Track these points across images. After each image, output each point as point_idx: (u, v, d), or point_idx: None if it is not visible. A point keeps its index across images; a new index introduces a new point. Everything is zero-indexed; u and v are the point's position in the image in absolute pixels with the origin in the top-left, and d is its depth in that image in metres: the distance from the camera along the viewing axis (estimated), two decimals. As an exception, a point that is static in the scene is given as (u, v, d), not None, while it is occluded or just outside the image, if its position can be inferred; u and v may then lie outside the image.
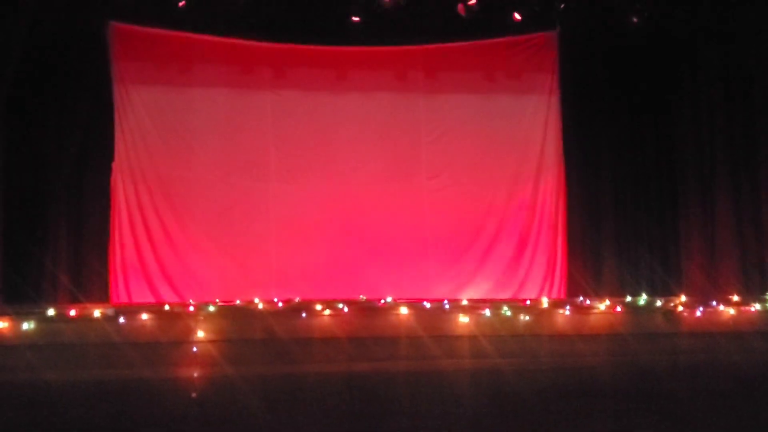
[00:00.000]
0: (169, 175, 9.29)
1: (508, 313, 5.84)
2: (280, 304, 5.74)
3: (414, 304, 5.84)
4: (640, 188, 9.75)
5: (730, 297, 6.53)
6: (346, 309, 5.67)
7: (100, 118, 9.12)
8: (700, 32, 9.31)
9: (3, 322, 5.31)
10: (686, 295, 7.68)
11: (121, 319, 5.43)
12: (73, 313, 5.48)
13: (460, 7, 9.25)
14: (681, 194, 9.36)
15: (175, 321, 5.54)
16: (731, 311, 6.17)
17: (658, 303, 6.27)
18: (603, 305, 6.03)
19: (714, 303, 6.24)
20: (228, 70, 9.58)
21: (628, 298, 6.41)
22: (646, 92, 9.90)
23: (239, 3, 8.99)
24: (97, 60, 9.00)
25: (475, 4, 9.22)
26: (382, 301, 5.91)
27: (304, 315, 5.63)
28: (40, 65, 8.65)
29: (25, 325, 5.34)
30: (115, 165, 9.09)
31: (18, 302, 7.72)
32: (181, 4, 8.97)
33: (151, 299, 8.90)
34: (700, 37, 9.34)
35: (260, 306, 5.64)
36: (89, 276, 8.81)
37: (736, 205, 8.92)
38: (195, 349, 5.48)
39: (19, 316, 5.40)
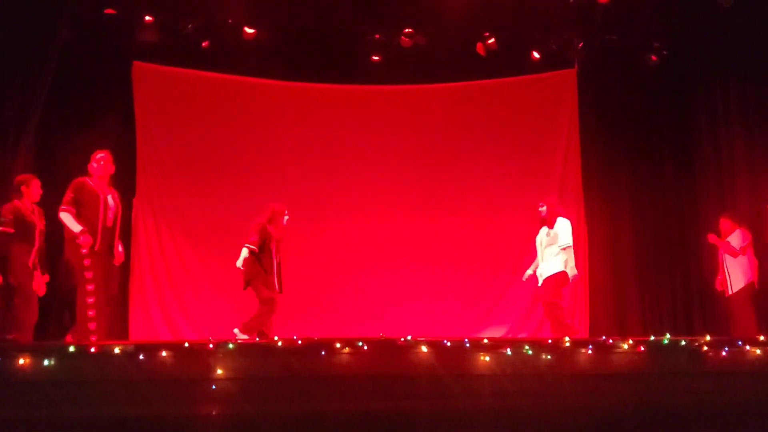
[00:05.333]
0: (190, 212, 9.38)
1: (530, 352, 5.75)
2: (300, 342, 5.69)
3: (434, 342, 5.77)
4: (662, 224, 9.70)
5: (757, 337, 6.41)
6: (365, 347, 5.61)
7: (122, 156, 9.25)
8: (717, 66, 9.31)
9: (23, 357, 5.31)
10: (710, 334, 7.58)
11: (141, 356, 5.40)
12: (93, 349, 5.47)
13: (479, 46, 9.36)
14: (704, 231, 9.28)
15: (194, 358, 5.50)
16: (758, 351, 6.04)
17: (683, 342, 6.15)
18: (626, 344, 5.92)
19: (740, 343, 6.13)
20: (249, 109, 9.71)
21: (652, 338, 6.31)
22: (666, 128, 9.91)
23: (261, 43, 9.16)
24: (121, 99, 9.17)
25: (494, 43, 9.34)
26: (402, 339, 5.85)
27: (323, 353, 5.57)
28: (65, 104, 8.82)
29: (46, 361, 5.32)
30: (136, 201, 9.20)
31: (39, 338, 7.77)
32: (204, 44, 9.15)
33: (170, 336, 8.93)
34: (718, 70, 9.32)
35: (280, 344, 5.60)
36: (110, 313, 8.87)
37: (761, 242, 8.81)
38: (214, 386, 5.43)
39: (40, 351, 5.39)
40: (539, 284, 7.90)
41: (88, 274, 6.25)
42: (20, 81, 7.86)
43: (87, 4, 8.39)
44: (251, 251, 7.50)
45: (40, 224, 6.86)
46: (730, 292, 8.25)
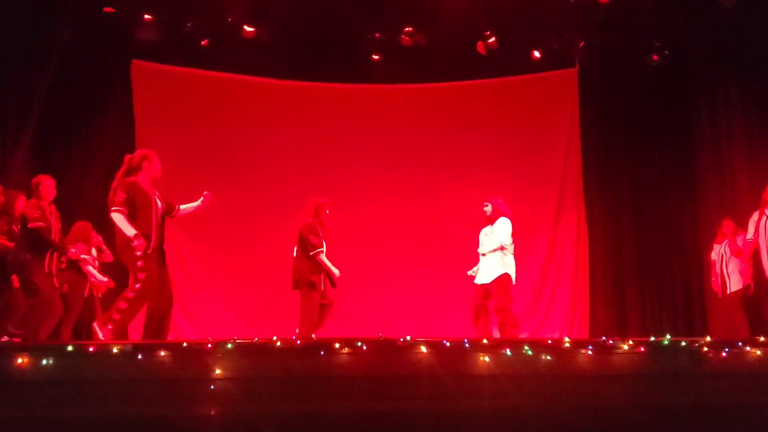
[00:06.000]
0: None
1: (530, 353, 5.72)
2: (299, 342, 5.67)
3: (434, 342, 5.75)
4: (663, 224, 9.68)
5: (757, 338, 6.39)
6: (364, 347, 5.58)
7: (122, 155, 9.22)
8: (718, 66, 9.27)
9: (22, 357, 5.29)
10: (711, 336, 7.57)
11: (140, 356, 5.38)
12: (91, 349, 5.45)
13: (479, 45, 9.34)
14: (705, 231, 9.27)
15: (193, 358, 5.48)
16: (758, 352, 6.02)
17: (683, 343, 6.13)
18: (626, 345, 5.90)
19: (740, 344, 6.11)
20: (249, 108, 9.70)
21: (652, 338, 6.29)
22: (667, 128, 9.89)
23: (260, 42, 9.15)
24: (120, 98, 9.16)
25: (495, 42, 9.32)
26: (401, 339, 5.83)
27: (322, 353, 5.55)
28: (65, 103, 8.81)
29: (44, 361, 5.31)
30: (136, 201, 9.16)
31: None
32: (203, 43, 9.14)
33: (169, 336, 8.91)
34: (719, 70, 9.28)
35: (278, 344, 5.58)
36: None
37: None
38: (212, 386, 5.41)
39: (38, 351, 5.37)
40: (474, 282, 7.75)
41: (141, 275, 6.05)
42: (20, 79, 7.87)
43: (86, 3, 8.38)
44: (319, 253, 7.38)
45: (56, 225, 6.77)
46: (727, 292, 8.25)
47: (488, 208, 7.73)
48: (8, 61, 7.81)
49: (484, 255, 7.66)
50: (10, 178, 7.50)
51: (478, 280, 7.66)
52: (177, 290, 9.18)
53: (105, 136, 9.03)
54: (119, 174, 6.27)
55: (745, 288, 8.16)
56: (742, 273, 8.18)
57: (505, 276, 7.48)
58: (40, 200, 6.66)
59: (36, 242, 6.52)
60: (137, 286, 6.03)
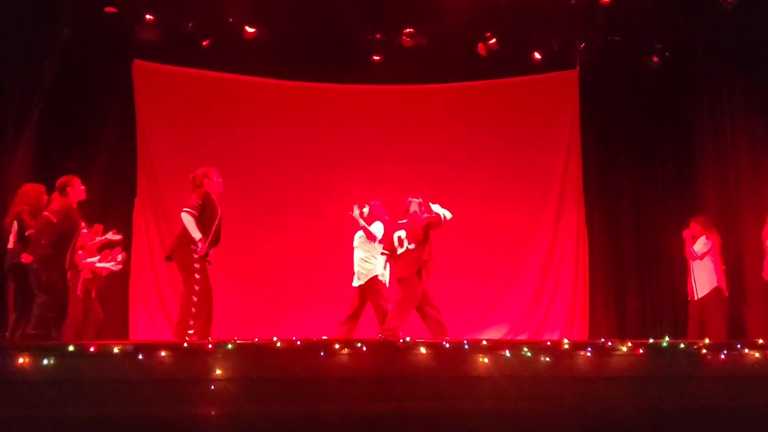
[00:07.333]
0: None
1: (529, 354, 5.74)
2: (299, 343, 5.69)
3: (433, 343, 5.77)
4: (663, 226, 9.67)
5: (756, 340, 6.41)
6: (364, 348, 5.61)
7: (123, 155, 9.25)
8: (720, 67, 9.25)
9: (23, 357, 5.30)
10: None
11: (140, 356, 5.40)
12: (92, 349, 5.46)
13: (480, 46, 9.34)
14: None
15: (193, 358, 5.50)
16: (756, 354, 6.04)
17: (682, 345, 6.15)
18: (625, 347, 5.92)
19: (739, 346, 6.13)
20: (249, 108, 9.71)
21: (651, 340, 6.31)
22: (668, 130, 9.88)
23: (261, 42, 9.15)
24: (121, 98, 9.17)
25: (496, 43, 9.31)
26: (401, 340, 5.85)
27: (322, 354, 5.57)
28: (65, 103, 8.82)
29: (45, 361, 5.32)
30: (137, 201, 9.20)
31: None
32: (204, 43, 9.14)
33: (170, 336, 8.92)
34: (721, 71, 9.27)
35: (279, 344, 5.60)
36: (110, 311, 8.87)
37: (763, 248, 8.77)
38: (213, 387, 5.43)
39: (39, 351, 5.39)
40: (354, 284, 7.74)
41: (199, 275, 6.44)
42: (20, 79, 7.86)
43: (87, 3, 8.37)
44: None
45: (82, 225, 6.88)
46: (695, 297, 8.23)
47: (366, 209, 7.75)
48: (8, 60, 7.81)
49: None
50: (10, 178, 7.50)
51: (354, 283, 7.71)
52: (178, 290, 9.21)
53: (105, 136, 9.03)
54: (191, 189, 6.62)
55: (715, 291, 8.09)
56: (709, 277, 8.10)
57: (374, 279, 7.53)
58: (68, 200, 6.67)
59: (61, 242, 6.53)
60: (197, 288, 6.41)
